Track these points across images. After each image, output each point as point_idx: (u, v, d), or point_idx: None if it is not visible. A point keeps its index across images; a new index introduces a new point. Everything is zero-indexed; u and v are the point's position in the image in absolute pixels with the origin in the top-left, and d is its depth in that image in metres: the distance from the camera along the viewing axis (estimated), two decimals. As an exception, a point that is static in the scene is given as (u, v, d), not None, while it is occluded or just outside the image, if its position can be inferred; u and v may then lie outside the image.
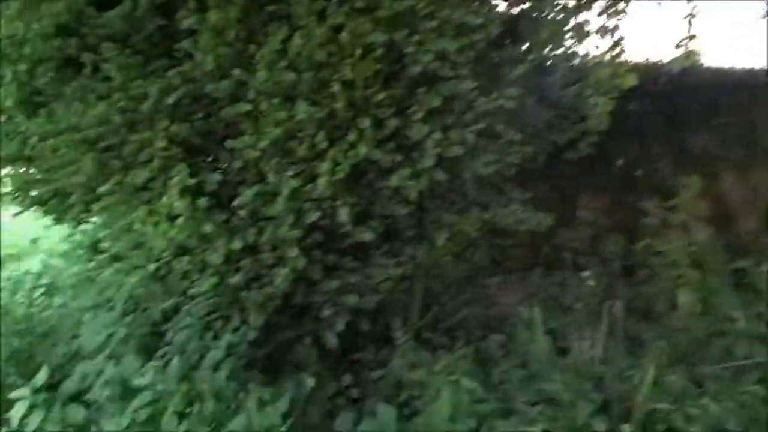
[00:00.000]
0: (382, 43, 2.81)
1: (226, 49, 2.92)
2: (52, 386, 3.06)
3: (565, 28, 3.78)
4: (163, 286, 3.68)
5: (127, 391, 2.92)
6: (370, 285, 3.35)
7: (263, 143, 2.94)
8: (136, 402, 2.80)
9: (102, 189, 3.21)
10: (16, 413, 2.86)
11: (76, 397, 3.05)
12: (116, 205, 3.29)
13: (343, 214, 3.00)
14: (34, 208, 3.94)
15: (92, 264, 4.67)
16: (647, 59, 5.52)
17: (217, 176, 3.10)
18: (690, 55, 5.23)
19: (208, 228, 2.98)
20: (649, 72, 5.19)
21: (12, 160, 3.73)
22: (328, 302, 3.32)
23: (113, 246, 3.68)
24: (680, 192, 5.09)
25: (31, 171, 3.78)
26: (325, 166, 2.91)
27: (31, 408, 2.86)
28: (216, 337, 3.26)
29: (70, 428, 2.86)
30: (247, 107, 2.96)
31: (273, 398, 2.79)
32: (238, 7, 2.87)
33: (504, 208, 3.48)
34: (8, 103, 3.48)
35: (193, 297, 3.32)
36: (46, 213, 3.96)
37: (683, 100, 5.31)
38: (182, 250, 3.19)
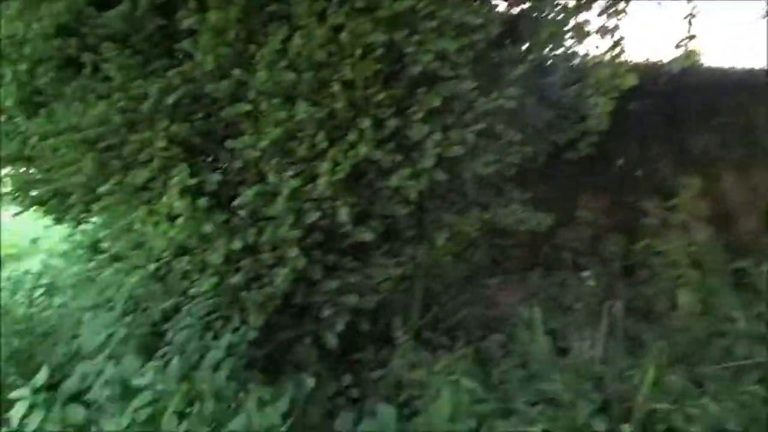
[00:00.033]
0: (382, 43, 2.81)
1: (226, 49, 2.92)
2: (52, 386, 3.05)
3: (565, 28, 3.78)
4: (163, 286, 3.68)
5: (127, 391, 2.92)
6: (370, 285, 3.35)
7: (263, 143, 2.94)
8: (136, 402, 2.79)
9: (102, 189, 3.21)
10: (16, 413, 2.86)
11: (76, 397, 3.05)
12: (116, 205, 3.29)
13: (343, 214, 3.00)
14: (34, 208, 3.95)
15: (92, 264, 4.67)
16: (647, 59, 5.53)
17: (217, 176, 3.10)
18: (690, 55, 5.24)
19: (208, 228, 2.98)
20: (649, 72, 5.20)
21: (12, 160, 3.74)
22: (328, 302, 3.32)
23: (113, 246, 3.68)
24: (680, 192, 5.10)
25: (31, 171, 3.78)
26: (325, 166, 2.91)
27: (31, 408, 2.86)
28: (216, 337, 3.26)
29: (70, 428, 2.86)
30: (247, 107, 2.96)
31: (273, 398, 2.79)
32: (238, 7, 2.87)
33: (504, 208, 3.49)
34: (8, 103, 3.48)
35: (193, 297, 3.32)
36: (47, 213, 3.96)
37: (683, 100, 5.31)
38: (182, 250, 3.19)
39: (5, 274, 5.24)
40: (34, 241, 6.21)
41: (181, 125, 3.04)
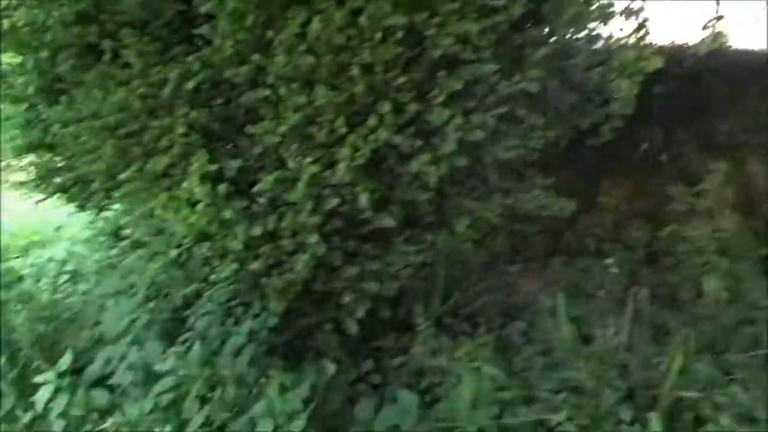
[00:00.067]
0: (402, 26, 2.76)
1: (245, 34, 2.89)
2: (76, 371, 3.10)
3: (589, 9, 3.69)
4: (184, 272, 3.70)
5: (149, 376, 2.95)
6: (390, 272, 3.33)
7: (282, 129, 2.91)
8: (159, 387, 2.82)
9: (123, 176, 3.22)
10: (41, 397, 2.90)
11: (100, 382, 3.09)
12: (137, 192, 3.30)
13: (363, 200, 2.98)
14: (57, 195, 3.99)
15: (115, 251, 4.73)
16: (673, 41, 5.39)
17: (236, 163, 3.09)
18: (717, 36, 5.09)
19: (227, 214, 2.97)
20: (675, 54, 5.06)
21: (35, 148, 3.77)
22: (348, 289, 3.30)
23: (135, 232, 3.70)
24: (706, 177, 4.98)
25: (53, 158, 3.82)
26: (344, 152, 2.88)
27: (56, 392, 2.91)
28: (237, 323, 3.28)
29: (95, 412, 2.90)
30: (266, 93, 2.94)
31: (294, 384, 2.79)
32: (256, -9, 2.84)
33: (526, 194, 3.43)
34: (30, 90, 3.51)
35: (214, 283, 3.33)
36: (69, 200, 4.00)
37: (710, 83, 5.17)
38: (203, 237, 3.19)
39: (30, 261, 5.33)
40: (58, 228, 6.30)
41: (200, 111, 3.03)
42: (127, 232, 4.00)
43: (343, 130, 2.87)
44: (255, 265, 3.12)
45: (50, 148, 3.71)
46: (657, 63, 4.34)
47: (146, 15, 3.08)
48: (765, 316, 3.80)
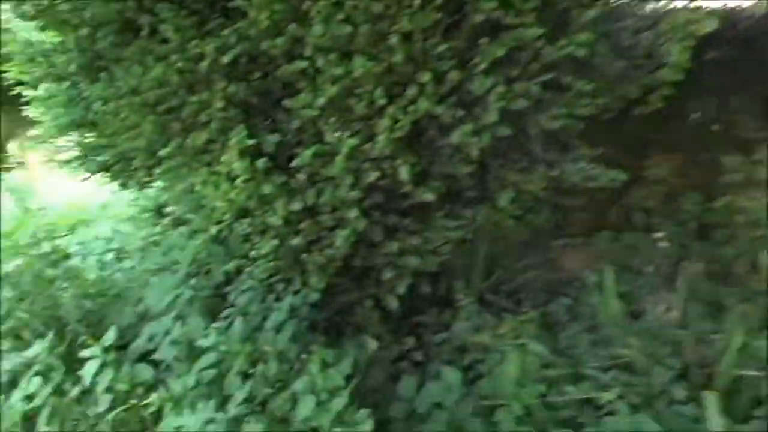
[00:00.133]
0: (442, -9, 2.65)
1: (281, 4, 2.81)
2: (121, 346, 3.16)
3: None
4: (225, 248, 3.72)
5: (192, 352, 2.98)
6: (430, 247, 3.27)
7: (320, 101, 2.85)
8: (201, 362, 2.84)
9: (163, 152, 3.23)
10: (88, 372, 2.96)
11: (144, 357, 3.14)
12: (177, 168, 3.31)
13: (403, 173, 2.90)
14: (100, 173, 4.05)
15: (158, 228, 4.80)
16: (726, 3, 5.11)
17: (275, 137, 3.05)
18: (775, -4, 4.81)
19: (267, 189, 2.94)
20: (730, 16, 4.80)
21: (77, 126, 3.81)
22: (388, 264, 3.26)
23: (176, 209, 3.73)
24: (762, 146, 4.72)
25: (96, 136, 3.86)
26: (383, 124, 2.80)
27: (102, 367, 2.96)
28: (278, 300, 3.28)
29: (140, 387, 2.94)
30: (303, 65, 2.87)
31: (336, 360, 2.77)
32: (292, -40, 2.76)
33: (572, 165, 3.29)
34: (71, 69, 3.54)
35: (254, 259, 3.32)
36: (112, 178, 4.05)
37: (766, 47, 4.88)
38: (243, 213, 3.18)
39: (77, 239, 5.46)
40: (103, 207, 6.44)
41: (238, 85, 2.99)
42: (168, 209, 4.05)
43: (382, 101, 2.79)
44: (295, 241, 3.09)
45: (92, 125, 3.74)
46: (710, 25, 4.10)
47: (182, -11, 3.05)
48: (828, 291, 3.61)
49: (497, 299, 3.88)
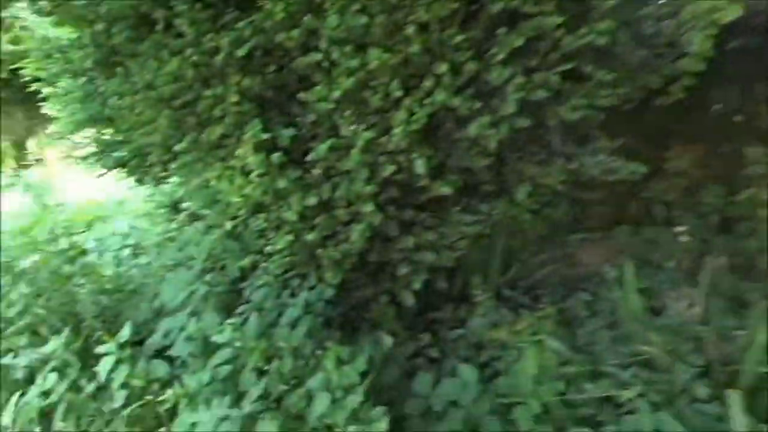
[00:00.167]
0: (459, -20, 2.60)
1: (296, -4, 2.79)
2: (137, 342, 3.16)
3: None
4: (240, 244, 3.70)
5: (207, 347, 2.97)
6: (446, 242, 3.23)
7: (335, 94, 2.82)
8: (216, 358, 2.83)
9: (178, 147, 3.22)
10: (103, 368, 2.97)
11: (160, 353, 3.13)
12: (192, 163, 3.29)
13: (420, 167, 2.86)
14: (117, 169, 4.05)
15: (173, 224, 4.80)
16: (750, -8, 4.98)
17: (290, 131, 3.02)
18: (802, -16, 4.67)
19: (282, 184, 2.92)
20: (754, 4, 4.67)
21: (94, 122, 3.82)
22: (404, 260, 3.22)
23: (191, 205, 3.72)
24: (787, 139, 4.61)
25: (112, 132, 3.87)
26: (399, 117, 2.76)
27: (118, 363, 2.96)
28: (293, 295, 3.26)
29: (155, 383, 2.94)
30: (318, 57, 2.84)
31: (351, 357, 2.74)
32: (307, -49, 2.73)
33: (591, 158, 3.22)
34: (88, 64, 3.54)
35: (269, 255, 3.30)
36: (128, 174, 4.06)
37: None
38: (258, 208, 3.16)
39: (93, 235, 5.49)
40: (120, 203, 6.48)
41: (253, 79, 2.96)
42: (184, 205, 4.04)
43: (399, 93, 2.75)
44: (310, 236, 3.07)
45: (109, 121, 3.75)
46: (734, 13, 4.00)
47: (197, -18, 3.03)
48: None
49: (514, 295, 3.83)
